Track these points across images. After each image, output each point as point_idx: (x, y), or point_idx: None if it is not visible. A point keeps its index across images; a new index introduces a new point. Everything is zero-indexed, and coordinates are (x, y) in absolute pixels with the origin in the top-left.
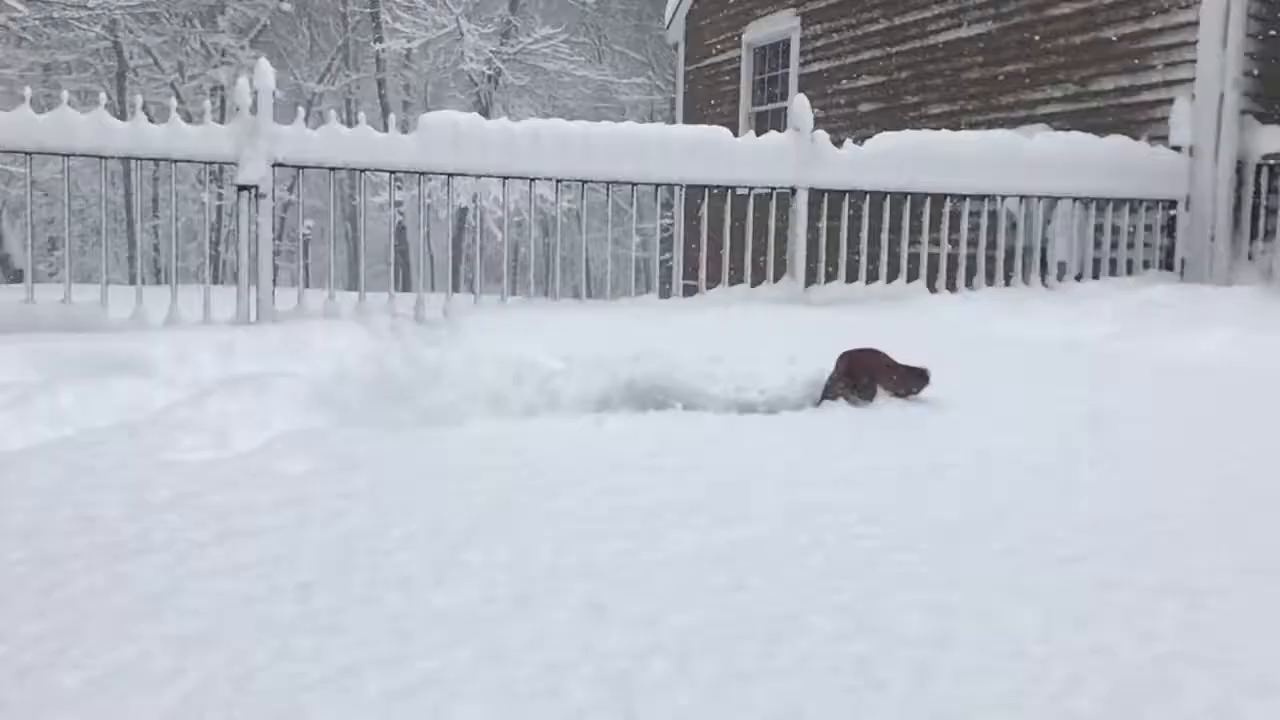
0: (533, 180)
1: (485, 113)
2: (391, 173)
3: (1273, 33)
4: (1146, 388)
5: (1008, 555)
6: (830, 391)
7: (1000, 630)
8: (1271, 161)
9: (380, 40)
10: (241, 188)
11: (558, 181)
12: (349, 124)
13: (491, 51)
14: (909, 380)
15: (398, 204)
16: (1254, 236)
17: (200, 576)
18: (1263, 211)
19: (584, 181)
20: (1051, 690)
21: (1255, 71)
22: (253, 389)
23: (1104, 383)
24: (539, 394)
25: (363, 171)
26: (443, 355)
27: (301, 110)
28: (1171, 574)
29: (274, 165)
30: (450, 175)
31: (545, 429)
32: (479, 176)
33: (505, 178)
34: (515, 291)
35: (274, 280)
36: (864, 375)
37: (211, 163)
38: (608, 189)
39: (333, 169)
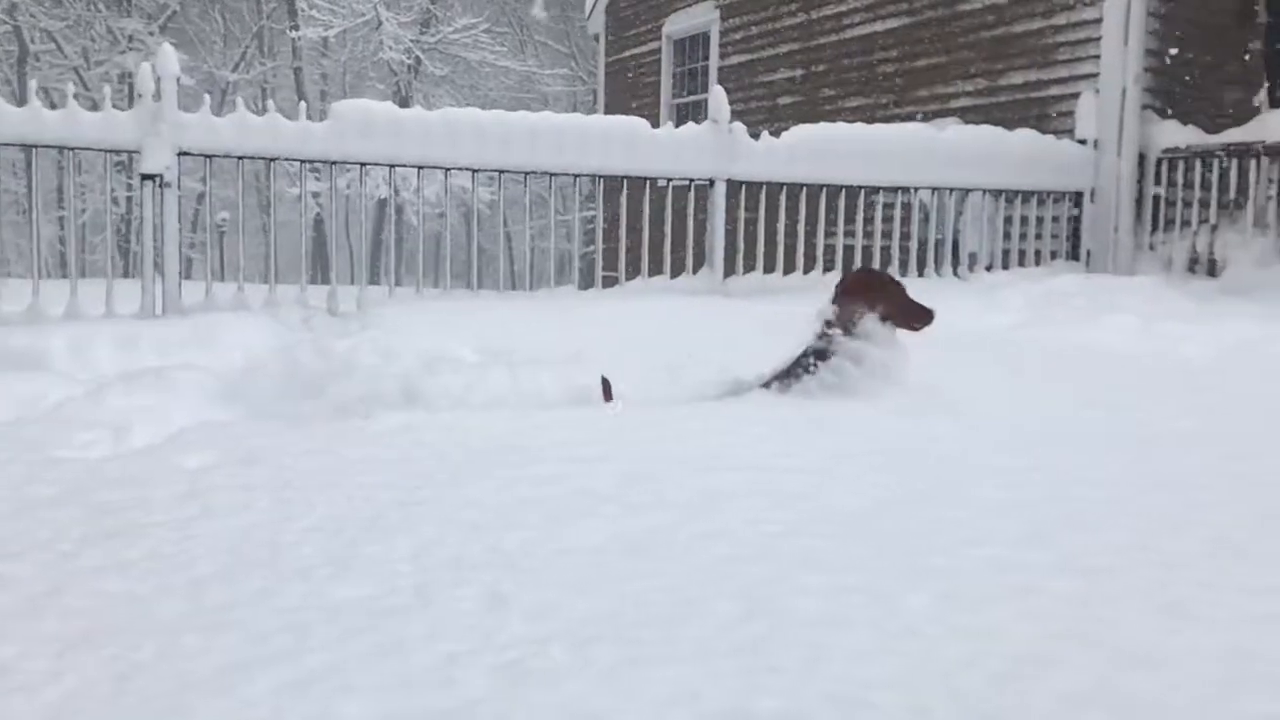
0: (448, 170)
1: (405, 103)
2: (303, 162)
3: (1176, 32)
4: (1054, 374)
5: (908, 538)
6: (846, 311)
7: (895, 611)
8: (1170, 155)
9: (296, 28)
10: (145, 177)
11: (474, 172)
12: (263, 113)
13: (411, 41)
14: (918, 314)
15: (315, 195)
16: (1154, 228)
17: (85, 575)
18: (1163, 204)
19: (501, 171)
20: (941, 669)
21: (1155, 67)
22: (155, 383)
23: (1013, 371)
24: (452, 386)
25: (272, 161)
26: (354, 348)
27: (208, 97)
28: (1065, 555)
29: (179, 154)
30: (364, 165)
31: (458, 422)
32: (393, 166)
33: (420, 167)
34: (437, 284)
35: (183, 272)
36: (880, 294)
37: (113, 151)
38: (525, 179)
39: (241, 158)
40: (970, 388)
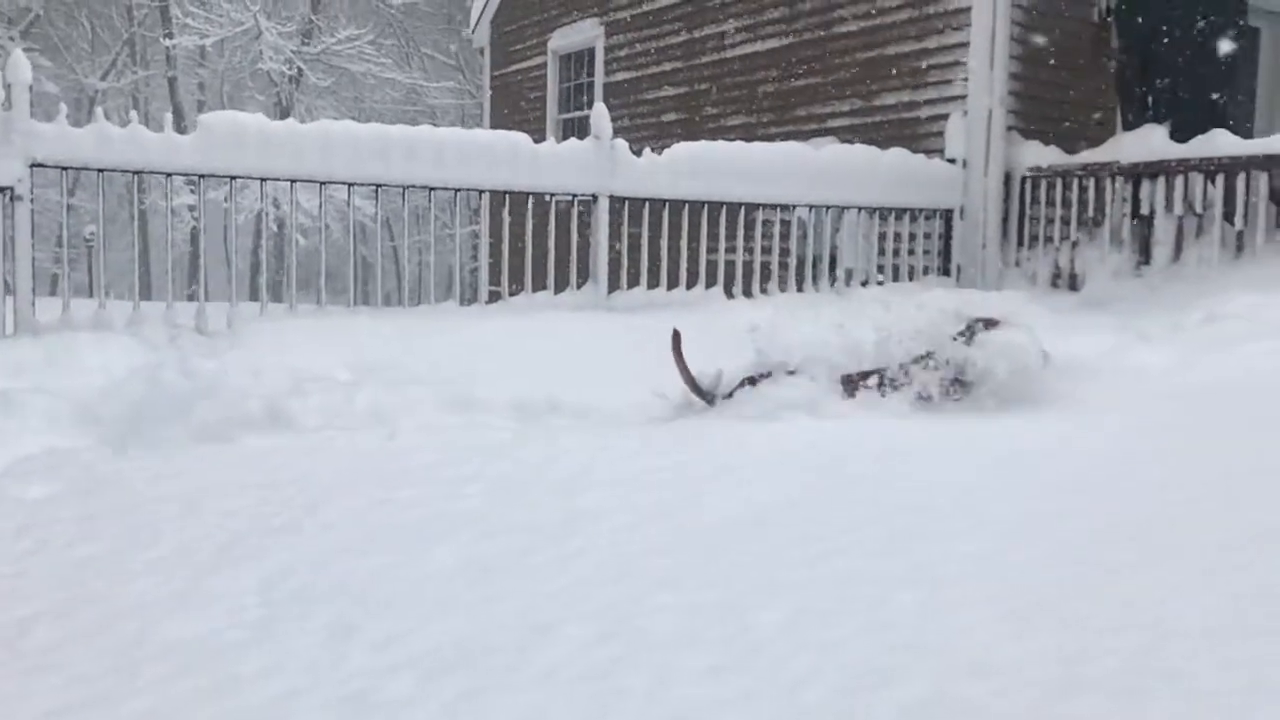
0: (323, 185)
1: (286, 114)
2: (169, 175)
3: (1038, 58)
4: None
5: (767, 553)
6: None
7: (747, 627)
8: (1034, 175)
9: (171, 36)
10: None
11: (350, 186)
12: (144, 124)
13: (292, 51)
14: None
15: (191, 209)
16: (1020, 244)
17: None
18: (1027, 221)
19: (379, 186)
20: (787, 683)
21: (1019, 90)
22: None
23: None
24: (322, 407)
25: (137, 174)
26: (222, 367)
27: (64, 107)
28: (916, 564)
29: (32, 166)
30: (234, 178)
31: (325, 444)
32: (265, 180)
33: (294, 181)
34: (321, 301)
35: (41, 290)
36: None
37: None
38: (404, 194)
39: (102, 170)
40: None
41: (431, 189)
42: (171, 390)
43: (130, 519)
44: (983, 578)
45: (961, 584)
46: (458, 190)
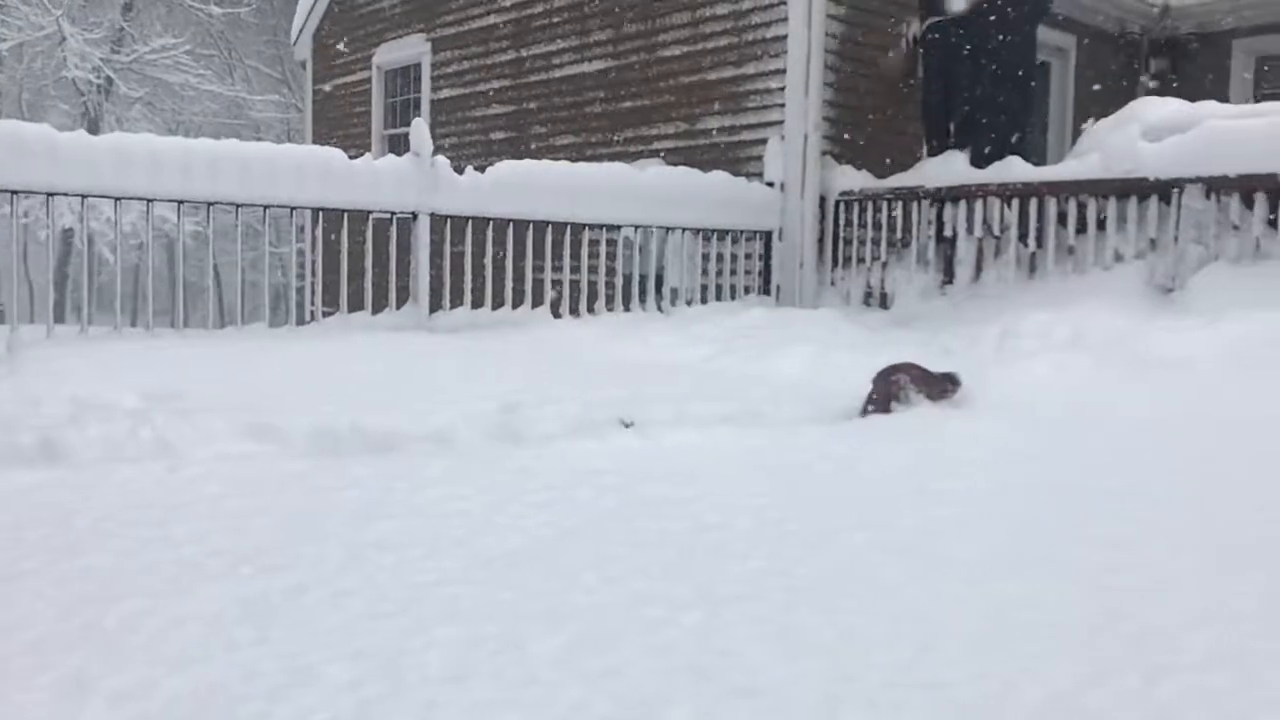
0: (119, 200)
1: (95, 125)
2: None
3: (850, 85)
4: (730, 407)
5: (557, 580)
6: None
7: (523, 659)
8: (846, 198)
9: None
10: None
11: (150, 202)
12: None
13: (101, 59)
14: (940, 384)
15: None
16: (835, 264)
17: None
18: (841, 242)
19: (180, 202)
20: (556, 715)
21: (833, 117)
22: None
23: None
24: (104, 438)
25: None
26: None
27: None
28: (703, 585)
29: None
30: (14, 193)
31: (101, 478)
32: (51, 195)
33: (85, 197)
34: (135, 322)
35: None
36: (898, 385)
37: None
38: (208, 210)
39: None
40: (647, 423)
41: (238, 205)
42: None
43: None
44: (764, 595)
45: (743, 603)
46: (267, 207)
